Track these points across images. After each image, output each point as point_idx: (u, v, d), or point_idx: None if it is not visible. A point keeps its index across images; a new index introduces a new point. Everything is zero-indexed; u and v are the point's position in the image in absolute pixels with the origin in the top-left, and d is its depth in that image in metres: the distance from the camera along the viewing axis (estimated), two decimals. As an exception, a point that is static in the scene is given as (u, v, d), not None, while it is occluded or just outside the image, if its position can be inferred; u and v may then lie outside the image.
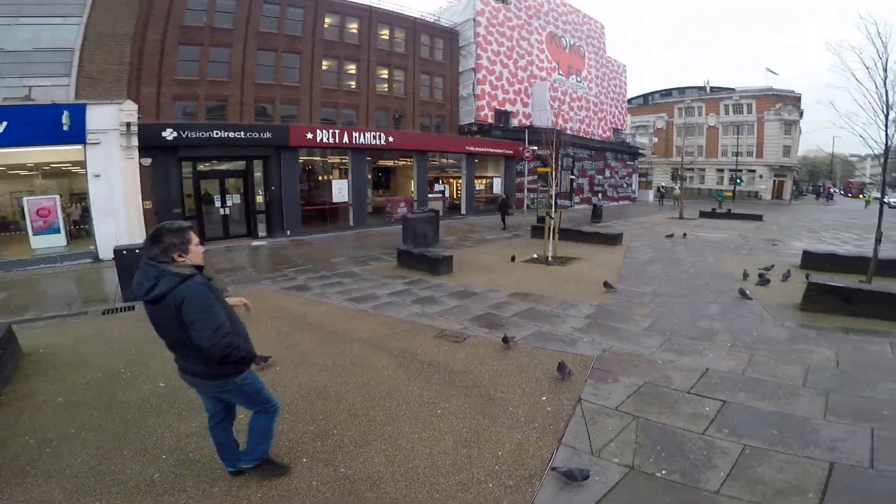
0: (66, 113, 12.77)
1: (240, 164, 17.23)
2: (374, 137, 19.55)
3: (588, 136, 33.91)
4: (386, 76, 23.44)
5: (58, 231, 12.92)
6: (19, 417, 3.96)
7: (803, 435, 3.47)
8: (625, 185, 37.68)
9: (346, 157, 19.46)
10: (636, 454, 3.26)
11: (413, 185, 22.29)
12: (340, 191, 18.88)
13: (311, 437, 3.53)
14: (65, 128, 12.75)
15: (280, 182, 17.14)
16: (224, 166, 17.25)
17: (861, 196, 53.37)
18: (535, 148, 24.88)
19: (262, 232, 16.91)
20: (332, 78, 21.32)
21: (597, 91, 36.09)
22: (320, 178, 20.45)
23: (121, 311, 7.59)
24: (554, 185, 13.03)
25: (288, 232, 16.89)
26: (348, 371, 4.84)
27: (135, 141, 13.90)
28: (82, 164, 13.50)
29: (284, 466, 3.15)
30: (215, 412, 2.95)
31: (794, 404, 3.99)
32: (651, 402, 4.07)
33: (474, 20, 26.10)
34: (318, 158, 19.98)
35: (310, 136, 17.73)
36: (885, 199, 9.12)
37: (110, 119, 13.43)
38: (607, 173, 34.99)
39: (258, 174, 17.31)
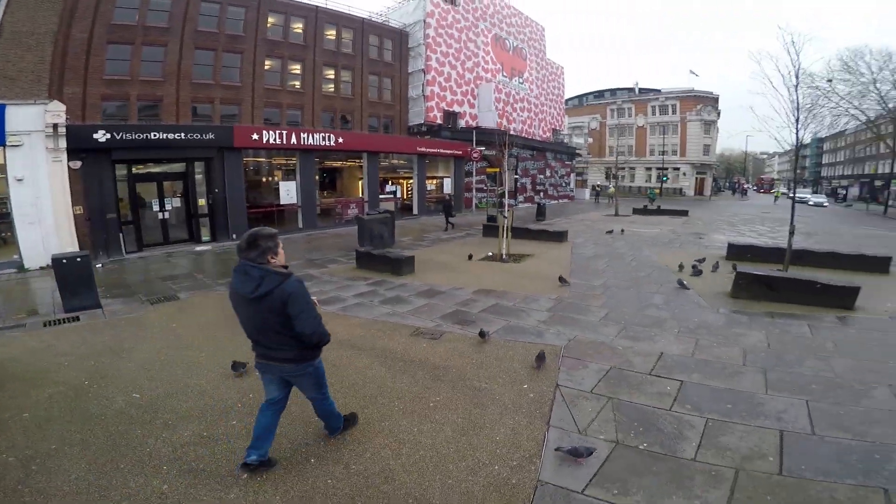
0: (-20, 113, 11.65)
1: (179, 167, 16.34)
2: (324, 138, 19.24)
3: (530, 137, 35.14)
4: (333, 76, 23.04)
5: (-26, 240, 11.72)
6: (-12, 439, 3.69)
7: (753, 408, 4.00)
8: (564, 184, 39.39)
9: (294, 159, 19.00)
10: (618, 430, 3.64)
11: (363, 186, 22.16)
12: (288, 192, 18.41)
13: (313, 438, 3.60)
14: (-21, 129, 11.63)
15: (224, 184, 16.46)
16: (161, 168, 16.27)
17: (772, 191, 59.16)
18: (483, 148, 25.51)
19: (205, 236, 16.16)
20: (276, 78, 20.64)
21: (538, 92, 37.42)
22: (266, 179, 19.82)
23: (64, 322, 7.08)
24: (506, 184, 13.48)
25: (234, 235, 16.22)
26: (332, 373, 4.83)
27: (63, 143, 12.90)
28: (1, 168, 12.31)
29: (353, 415, 3.84)
30: (279, 399, 3.23)
31: (739, 381, 4.55)
32: (620, 384, 4.50)
33: (424, 21, 26.26)
34: (264, 160, 19.35)
35: (255, 136, 17.18)
36: (795, 195, 10.31)
37: (34, 120, 12.39)
38: (548, 173, 36.43)
39: (199, 176, 16.52)
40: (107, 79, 15.87)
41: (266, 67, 20.12)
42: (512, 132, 30.75)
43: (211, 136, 16.07)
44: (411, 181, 25.00)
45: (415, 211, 24.45)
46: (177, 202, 15.98)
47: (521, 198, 32.01)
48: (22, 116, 12.17)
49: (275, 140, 17.63)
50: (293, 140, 18.14)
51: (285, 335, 2.87)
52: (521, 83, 35.13)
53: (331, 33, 22.71)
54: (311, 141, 18.75)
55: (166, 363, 5.30)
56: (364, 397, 4.32)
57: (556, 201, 36.23)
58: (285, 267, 2.92)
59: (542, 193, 34.30)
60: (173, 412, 4.11)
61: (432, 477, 3.12)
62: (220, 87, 18.73)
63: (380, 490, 3.00)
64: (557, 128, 41.18)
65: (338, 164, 23.08)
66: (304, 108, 21.58)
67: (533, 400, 4.18)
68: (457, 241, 15.20)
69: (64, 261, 7.48)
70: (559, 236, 14.75)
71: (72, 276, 7.46)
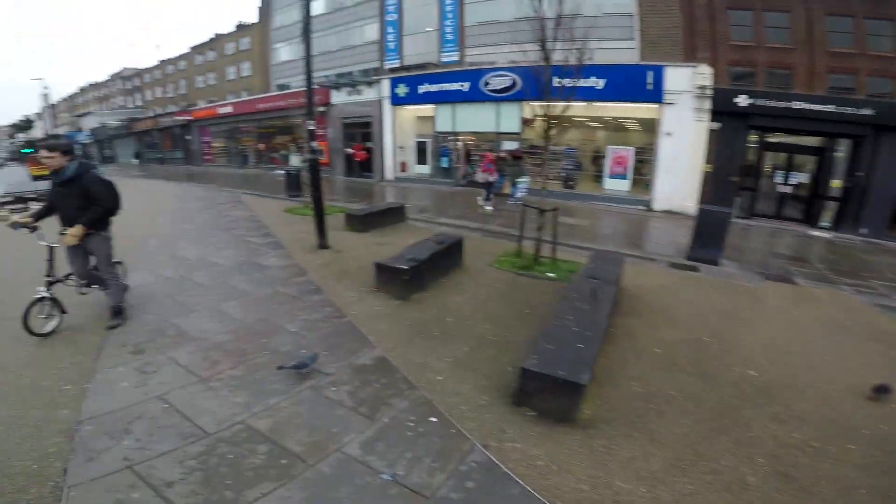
0: (649, 73, 14.59)
1: (816, 141, 15.28)
2: None
3: None
4: None
5: (625, 177, 15.62)
6: (626, 358, 4.34)
7: None
8: None
9: None
10: None
11: None
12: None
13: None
14: (648, 87, 14.63)
15: (871, 169, 14.09)
16: (794, 140, 15.71)
17: None
18: None
19: (824, 221, 14.70)
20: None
21: None
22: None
23: (685, 268, 7.89)
24: None
25: (864, 230, 13.83)
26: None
27: (707, 104, 14.52)
28: (651, 123, 15.23)
29: None
30: None
31: None
32: None
33: None
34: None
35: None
36: None
37: (685, 81, 14.45)
38: None
39: (839, 154, 14.81)
40: (733, 44, 16.25)
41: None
42: None
43: (867, 111, 13.83)
44: None
45: None
46: (803, 178, 15.21)
47: None
48: (675, 78, 14.43)
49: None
50: None
51: None
52: None
53: None
54: None
55: (784, 350, 4.83)
56: None
57: None
58: None
59: None
60: (787, 406, 3.75)
61: None
62: (864, 57, 15.42)
63: None
64: None
65: None
66: None
67: None
68: None
69: (708, 212, 8.20)
70: None
71: (707, 228, 8.11)
